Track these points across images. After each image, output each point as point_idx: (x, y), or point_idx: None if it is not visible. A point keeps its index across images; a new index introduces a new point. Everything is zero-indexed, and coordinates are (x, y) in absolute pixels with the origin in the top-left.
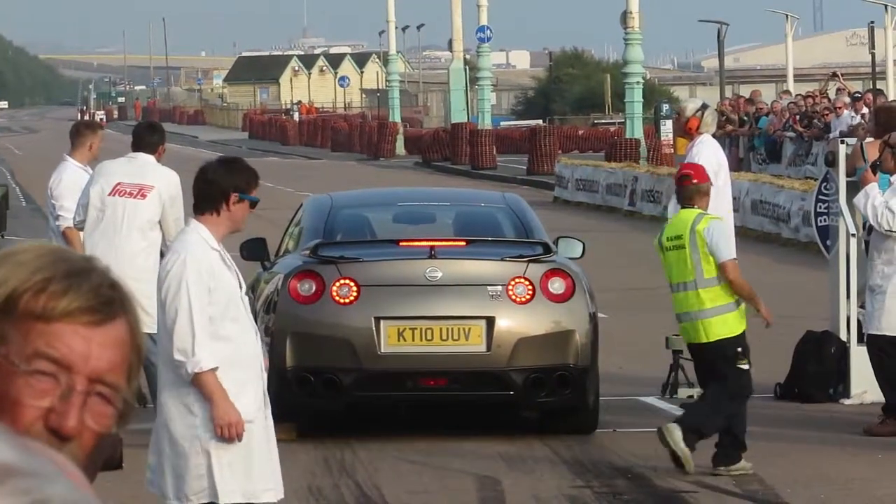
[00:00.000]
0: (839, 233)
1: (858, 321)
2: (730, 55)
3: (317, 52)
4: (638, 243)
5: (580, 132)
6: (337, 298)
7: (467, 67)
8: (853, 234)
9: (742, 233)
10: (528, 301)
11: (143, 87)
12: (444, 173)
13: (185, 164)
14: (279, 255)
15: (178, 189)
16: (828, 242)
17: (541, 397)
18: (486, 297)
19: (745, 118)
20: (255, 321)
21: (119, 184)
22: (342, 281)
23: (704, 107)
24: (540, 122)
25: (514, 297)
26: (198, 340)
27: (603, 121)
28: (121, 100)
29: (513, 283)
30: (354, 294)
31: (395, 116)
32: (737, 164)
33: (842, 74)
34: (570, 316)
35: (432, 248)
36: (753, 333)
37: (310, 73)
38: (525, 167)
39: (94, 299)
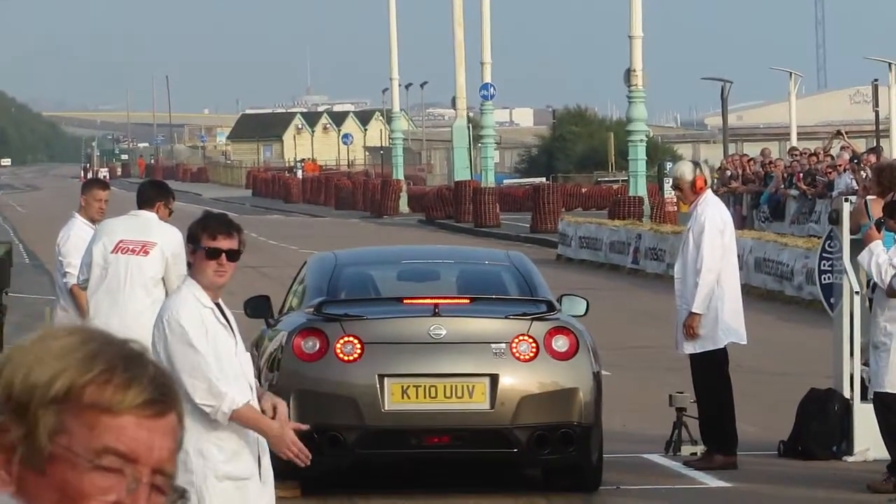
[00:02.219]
0: (843, 291)
1: (862, 379)
2: (733, 113)
3: (320, 109)
4: (641, 301)
5: (583, 190)
6: (341, 356)
7: (471, 125)
8: (857, 292)
9: (745, 291)
10: (531, 359)
11: (147, 145)
12: (447, 231)
13: (188, 221)
14: (283, 312)
15: (180, 246)
16: (831, 300)
17: (544, 455)
18: (490, 354)
19: (753, 176)
20: (259, 378)
21: (121, 241)
22: (346, 338)
23: (696, 163)
24: (543, 179)
25: (517, 354)
26: (221, 379)
27: (606, 178)
28: (124, 157)
29: (516, 340)
30: (358, 352)
31: (399, 174)
32: (740, 222)
33: (846, 132)
34: (573, 374)
35: (436, 305)
36: (755, 391)
37: (313, 131)
38: (528, 225)
39: (156, 391)
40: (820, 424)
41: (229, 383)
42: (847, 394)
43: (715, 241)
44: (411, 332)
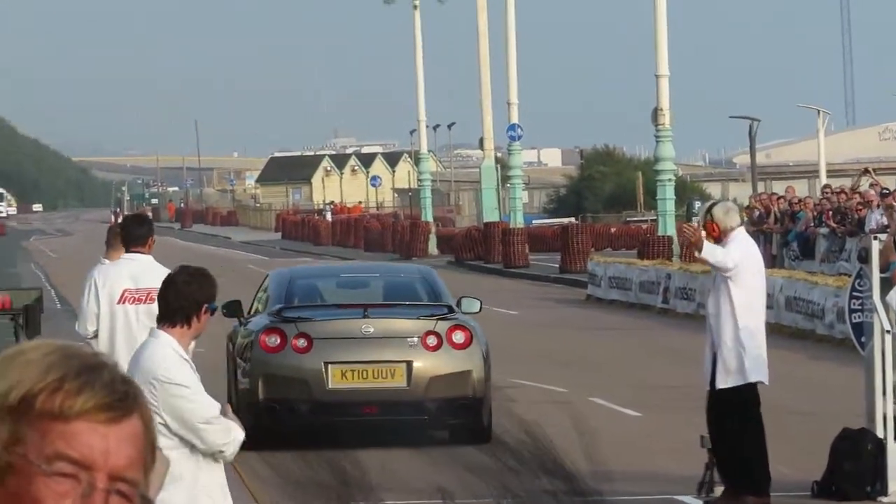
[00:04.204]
0: (874, 329)
1: (895, 418)
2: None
3: (348, 151)
4: (672, 341)
5: (612, 230)
6: (295, 348)
7: (498, 166)
8: (888, 331)
9: (776, 329)
10: (436, 348)
11: (176, 189)
12: (476, 272)
13: (218, 264)
14: (251, 314)
15: None
16: (862, 339)
17: (448, 420)
18: (406, 346)
19: (779, 215)
20: (234, 366)
21: (126, 290)
22: (299, 335)
23: (725, 205)
24: (572, 219)
25: (426, 345)
26: (227, 421)
27: (635, 218)
28: (154, 201)
29: (426, 335)
30: (308, 345)
31: (428, 215)
32: (770, 261)
33: (874, 170)
34: (468, 359)
35: (365, 309)
36: (787, 431)
37: (342, 173)
38: (558, 265)
39: (110, 396)
40: (853, 464)
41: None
42: (880, 433)
43: (733, 249)
44: (348, 330)
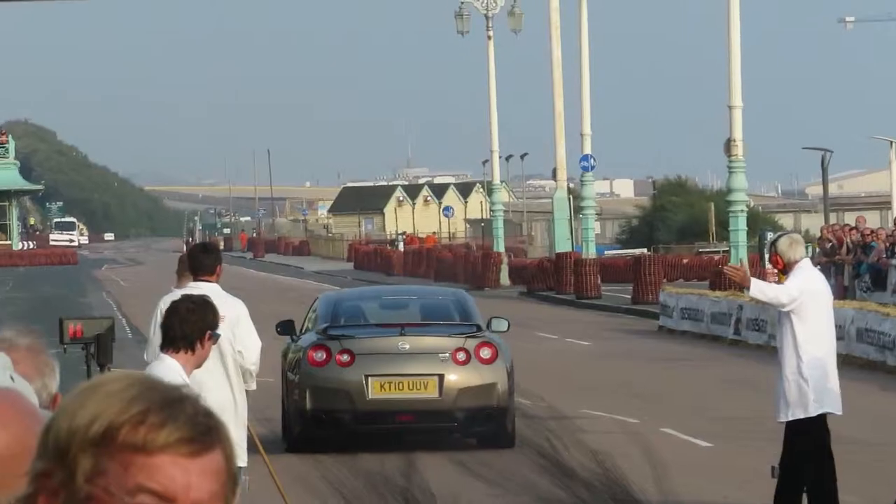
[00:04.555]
0: None
1: None
2: (834, 182)
3: (421, 182)
4: (743, 372)
5: (684, 261)
6: (339, 363)
7: (571, 196)
8: None
9: (847, 361)
10: (465, 363)
11: (248, 218)
12: (548, 303)
13: (286, 293)
14: (302, 332)
15: (245, 317)
16: None
17: (475, 427)
18: (438, 360)
19: (851, 246)
20: (286, 379)
21: None
22: (343, 351)
23: (789, 237)
24: (644, 250)
25: (456, 360)
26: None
27: (707, 249)
28: (226, 231)
29: (456, 351)
30: (351, 359)
31: (499, 246)
32: (842, 293)
33: None
34: (493, 373)
35: (402, 327)
36: (857, 462)
37: (414, 203)
38: (629, 296)
39: (193, 429)
40: None
41: None
42: None
43: (792, 285)
44: (386, 346)
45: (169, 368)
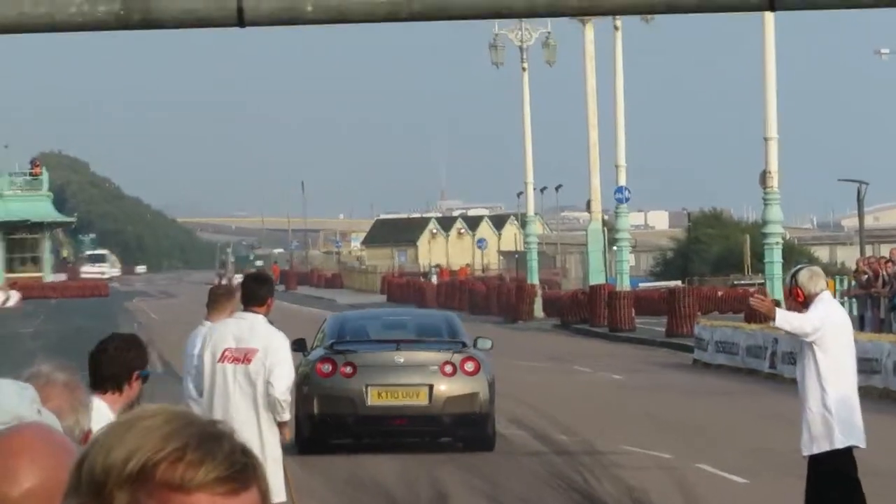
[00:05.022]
0: None
1: None
2: (870, 214)
3: (454, 214)
4: (779, 406)
5: (719, 293)
6: (343, 374)
7: (605, 228)
8: None
9: (884, 394)
10: (452, 375)
11: (281, 250)
12: (582, 335)
13: (317, 324)
14: (312, 348)
15: (284, 350)
16: None
17: (460, 431)
18: (429, 372)
19: (887, 278)
20: (297, 389)
21: (227, 350)
22: (346, 363)
23: (810, 270)
24: (679, 283)
25: (444, 372)
26: None
27: (742, 281)
28: (259, 263)
29: (443, 364)
30: (353, 371)
31: (533, 278)
32: (878, 325)
33: None
34: (476, 384)
35: (398, 343)
36: (890, 497)
37: (447, 236)
38: (664, 329)
39: (231, 468)
40: None
41: None
42: None
43: (814, 315)
44: (384, 359)
45: (98, 411)
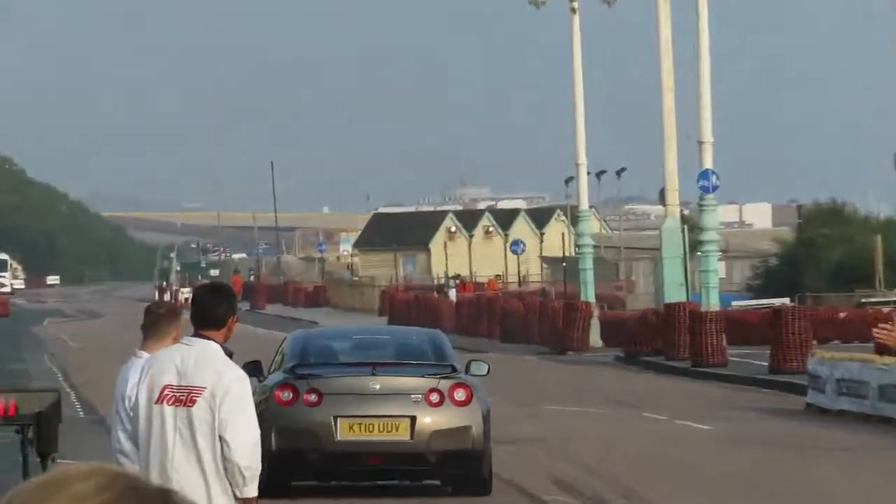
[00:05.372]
0: None
1: None
2: None
3: (480, 207)
4: None
5: (842, 315)
6: (307, 402)
7: (686, 227)
8: None
9: None
10: (439, 405)
11: (244, 256)
12: (654, 372)
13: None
14: (270, 371)
15: (242, 391)
16: None
17: (449, 470)
18: (411, 402)
19: None
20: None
21: (167, 387)
22: (310, 390)
23: None
24: (786, 300)
25: (429, 402)
26: None
27: (872, 299)
28: (214, 272)
29: (429, 392)
30: (318, 399)
31: (588, 294)
32: None
33: None
34: (468, 415)
35: (373, 367)
36: None
37: (471, 236)
38: (766, 363)
39: None
40: None
41: None
42: None
43: None
44: (356, 386)
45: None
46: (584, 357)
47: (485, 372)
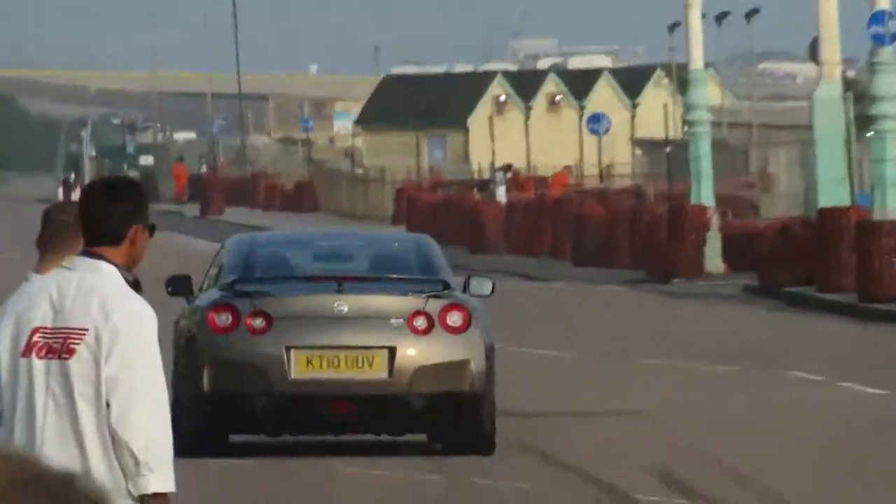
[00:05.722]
0: None
1: None
2: None
3: (541, 65)
4: None
5: None
6: (251, 329)
7: (849, 95)
8: None
9: None
10: (426, 332)
11: (193, 136)
12: (803, 309)
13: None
14: (202, 288)
15: (138, 339)
16: None
17: (439, 420)
18: (389, 328)
19: None
20: (176, 358)
21: (37, 330)
22: (255, 313)
23: None
24: None
25: (414, 328)
26: None
27: None
28: (146, 160)
29: (413, 315)
30: (267, 325)
31: (704, 195)
32: None
33: None
34: (466, 346)
35: (339, 283)
36: None
37: (528, 108)
38: None
39: None
40: None
41: None
42: None
43: None
44: (317, 307)
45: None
46: (696, 287)
47: (488, 291)
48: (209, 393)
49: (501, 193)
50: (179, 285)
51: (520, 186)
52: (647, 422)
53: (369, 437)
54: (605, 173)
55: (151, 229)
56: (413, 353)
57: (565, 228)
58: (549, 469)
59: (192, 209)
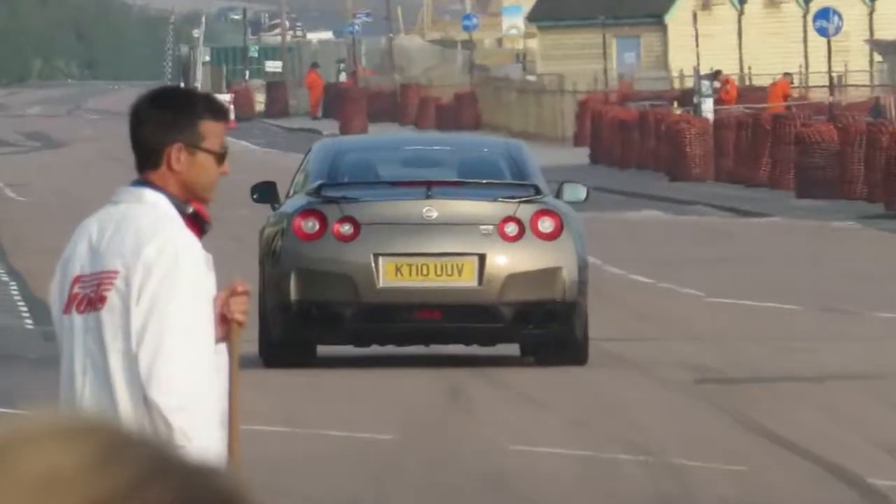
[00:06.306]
0: None
1: None
2: None
3: None
4: None
5: None
6: (338, 235)
7: None
8: None
9: None
10: (517, 238)
11: (330, 37)
12: None
13: None
14: (288, 195)
15: (167, 274)
16: None
17: (529, 330)
18: (479, 235)
19: None
20: (262, 257)
21: (78, 279)
22: (343, 219)
23: None
24: None
25: (504, 235)
26: None
27: None
28: (273, 67)
29: (504, 222)
30: (354, 231)
31: None
32: None
33: None
34: (557, 253)
35: (429, 188)
36: None
37: (741, 5)
38: None
39: None
40: None
41: None
42: None
43: None
44: (405, 214)
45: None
46: None
47: (583, 196)
48: (295, 304)
49: (708, 107)
50: (265, 192)
51: (730, 99)
52: (884, 388)
53: (456, 346)
54: (835, 84)
55: (219, 156)
56: (503, 260)
57: (785, 153)
58: (763, 445)
59: (330, 126)
